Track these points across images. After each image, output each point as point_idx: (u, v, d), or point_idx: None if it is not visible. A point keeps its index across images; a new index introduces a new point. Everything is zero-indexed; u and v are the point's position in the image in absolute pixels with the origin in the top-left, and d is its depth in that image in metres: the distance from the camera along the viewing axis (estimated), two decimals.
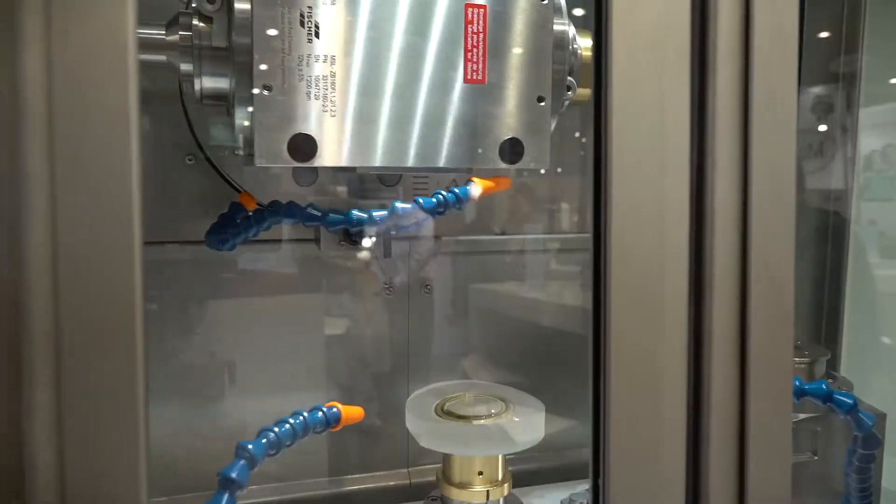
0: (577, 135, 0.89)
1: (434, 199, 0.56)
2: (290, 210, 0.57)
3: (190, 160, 0.69)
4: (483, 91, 0.52)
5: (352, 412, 0.56)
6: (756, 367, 0.39)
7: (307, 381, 0.82)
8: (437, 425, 0.69)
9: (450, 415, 0.71)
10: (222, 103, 0.52)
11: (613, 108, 0.39)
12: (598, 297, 0.40)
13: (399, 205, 0.56)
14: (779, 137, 0.40)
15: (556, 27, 0.54)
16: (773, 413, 0.39)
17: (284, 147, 0.48)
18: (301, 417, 0.51)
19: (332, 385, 0.83)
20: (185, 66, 0.50)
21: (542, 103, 0.54)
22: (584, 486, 0.81)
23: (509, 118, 0.53)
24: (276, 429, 0.48)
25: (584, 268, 0.95)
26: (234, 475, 0.43)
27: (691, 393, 0.40)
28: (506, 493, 0.71)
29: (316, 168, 0.60)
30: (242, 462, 0.45)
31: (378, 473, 0.88)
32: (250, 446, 0.45)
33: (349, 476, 0.86)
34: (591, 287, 0.42)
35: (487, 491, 0.70)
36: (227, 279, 0.76)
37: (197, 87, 0.50)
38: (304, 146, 0.48)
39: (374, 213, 0.56)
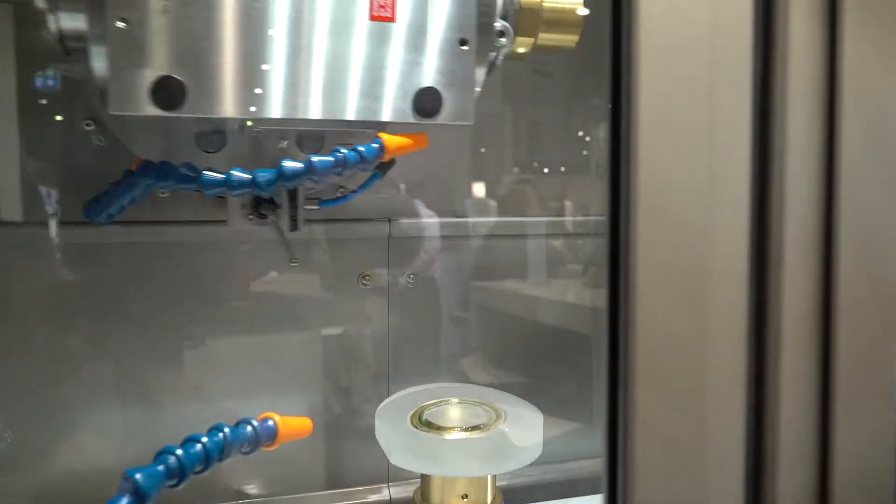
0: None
1: (332, 158, 0.44)
2: (163, 171, 0.45)
3: (88, 126, 0.58)
4: (392, 31, 0.44)
5: (295, 426, 0.44)
6: (846, 375, 0.27)
7: (252, 384, 0.70)
8: (410, 439, 0.57)
9: (428, 426, 0.59)
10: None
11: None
12: (616, 281, 0.28)
13: (287, 163, 0.44)
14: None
15: None
16: (869, 439, 0.27)
17: (145, 92, 0.39)
18: (220, 435, 0.39)
19: (292, 389, 0.71)
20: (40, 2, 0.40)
21: (465, 47, 0.46)
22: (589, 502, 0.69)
23: (425, 64, 0.45)
24: (179, 451, 0.36)
25: (590, 255, 0.85)
26: None
27: (751, 410, 0.28)
28: None
29: (223, 129, 0.49)
30: (126, 502, 0.33)
31: (352, 490, 0.76)
32: (138, 476, 0.33)
33: (317, 493, 0.74)
34: (603, 274, 0.30)
35: None
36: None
37: (53, 26, 0.40)
38: (169, 91, 0.40)
39: (260, 174, 0.44)
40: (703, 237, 0.27)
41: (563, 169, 0.84)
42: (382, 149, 0.46)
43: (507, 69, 0.57)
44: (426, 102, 0.45)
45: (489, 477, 0.59)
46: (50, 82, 0.58)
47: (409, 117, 0.45)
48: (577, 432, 0.81)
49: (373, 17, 0.44)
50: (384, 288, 0.73)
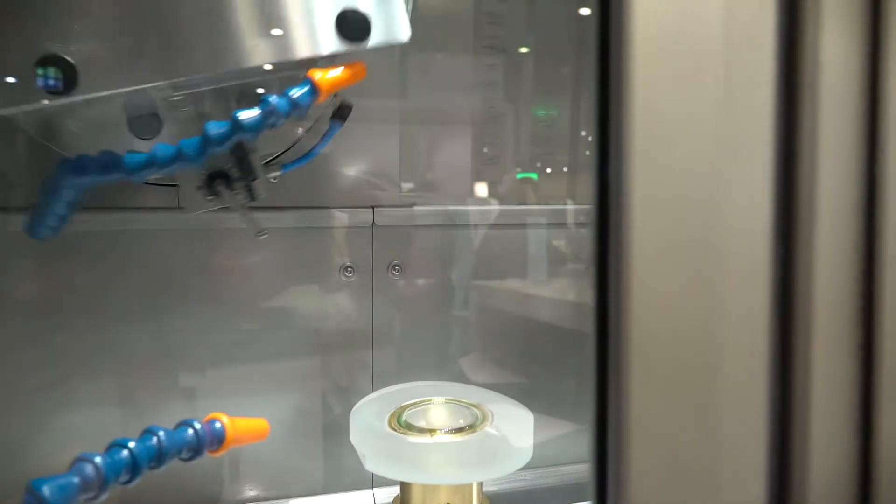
0: None
1: (259, 110, 0.38)
2: (80, 165, 0.39)
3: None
4: None
5: (247, 428, 0.39)
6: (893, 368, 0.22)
7: (225, 383, 0.65)
8: (387, 442, 0.51)
9: (408, 428, 0.53)
10: None
11: None
12: (605, 245, 0.23)
13: (211, 127, 0.38)
14: None
15: None
16: None
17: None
18: (153, 440, 0.33)
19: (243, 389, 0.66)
20: None
21: None
22: None
23: None
24: (98, 459, 0.30)
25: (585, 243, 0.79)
26: None
27: (774, 409, 0.22)
28: None
29: (156, 112, 0.43)
30: None
31: (333, 496, 0.70)
32: (46, 489, 0.28)
33: (294, 499, 0.69)
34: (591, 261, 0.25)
35: None
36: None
37: None
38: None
39: (185, 143, 0.38)
40: (714, 191, 0.22)
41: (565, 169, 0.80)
42: (315, 88, 0.40)
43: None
44: (350, 24, 0.39)
45: (475, 483, 0.54)
46: None
47: (337, 46, 0.39)
48: (575, 433, 0.76)
49: None
50: (367, 280, 0.68)
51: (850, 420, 0.23)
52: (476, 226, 0.73)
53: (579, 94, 0.78)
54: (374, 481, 0.71)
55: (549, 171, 0.78)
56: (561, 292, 0.79)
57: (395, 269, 0.69)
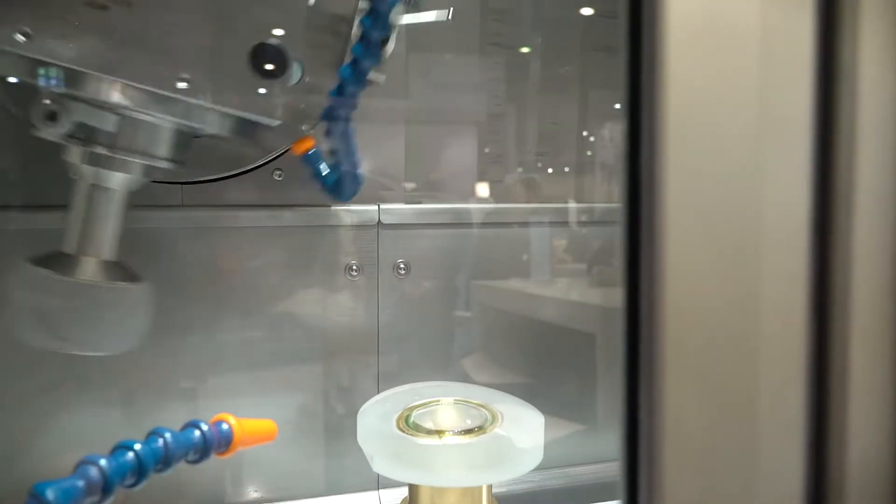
0: None
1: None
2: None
3: None
4: None
5: (255, 430, 0.38)
6: None
7: (229, 384, 0.64)
8: (395, 443, 0.50)
9: (416, 429, 0.52)
10: None
11: None
12: (636, 238, 0.22)
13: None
14: None
15: None
16: None
17: None
18: (159, 441, 0.32)
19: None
20: None
21: None
22: None
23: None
24: (104, 462, 0.30)
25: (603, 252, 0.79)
26: None
27: (811, 411, 0.21)
28: None
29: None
30: None
31: (338, 497, 0.70)
32: (50, 493, 0.27)
33: (299, 501, 0.68)
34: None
35: None
36: None
37: None
38: None
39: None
40: (751, 187, 0.21)
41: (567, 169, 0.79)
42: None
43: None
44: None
45: (484, 486, 0.53)
46: None
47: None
48: (581, 434, 0.75)
49: None
50: (373, 279, 0.68)
51: (888, 421, 0.22)
52: (483, 224, 0.72)
53: (585, 91, 0.78)
54: (379, 483, 0.70)
55: (566, 169, 0.78)
56: (573, 293, 0.78)
57: (400, 269, 0.68)
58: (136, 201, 0.59)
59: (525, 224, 0.74)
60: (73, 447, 0.60)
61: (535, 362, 0.74)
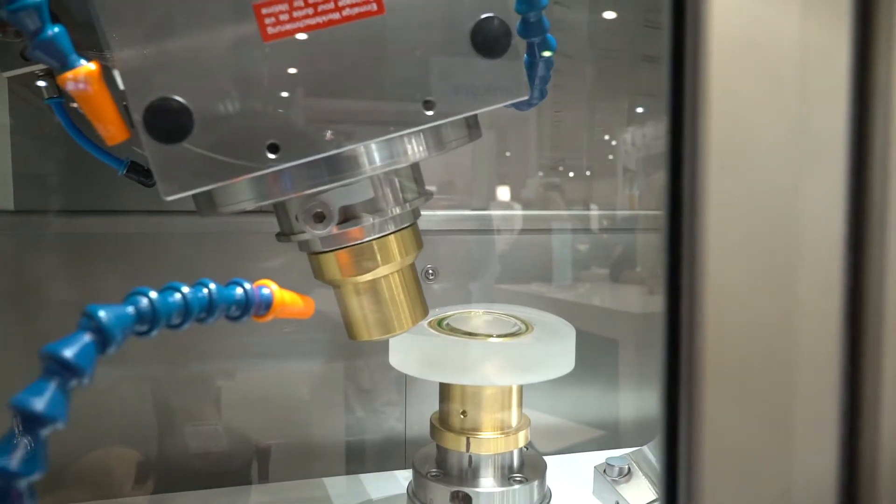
0: None
1: None
2: None
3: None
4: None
5: (294, 301, 0.39)
6: None
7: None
8: (431, 341, 0.51)
9: (451, 331, 0.53)
10: None
11: None
12: (678, 247, 0.24)
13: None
14: None
15: None
16: None
17: None
18: (204, 291, 0.34)
19: None
20: None
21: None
22: (622, 451, 0.63)
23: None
24: (152, 294, 0.31)
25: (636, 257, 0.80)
26: (67, 355, 0.27)
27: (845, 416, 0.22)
28: (521, 443, 0.54)
29: None
30: (87, 340, 0.28)
31: (364, 476, 0.71)
32: (102, 313, 0.29)
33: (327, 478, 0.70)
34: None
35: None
36: None
37: None
38: None
39: None
40: (789, 198, 0.23)
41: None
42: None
43: None
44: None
45: (514, 389, 0.54)
46: None
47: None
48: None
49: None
50: None
51: None
52: (513, 231, 0.73)
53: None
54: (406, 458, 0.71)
55: (589, 172, 0.79)
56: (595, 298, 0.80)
57: (429, 274, 0.70)
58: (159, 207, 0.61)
59: (547, 231, 0.76)
60: None
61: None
